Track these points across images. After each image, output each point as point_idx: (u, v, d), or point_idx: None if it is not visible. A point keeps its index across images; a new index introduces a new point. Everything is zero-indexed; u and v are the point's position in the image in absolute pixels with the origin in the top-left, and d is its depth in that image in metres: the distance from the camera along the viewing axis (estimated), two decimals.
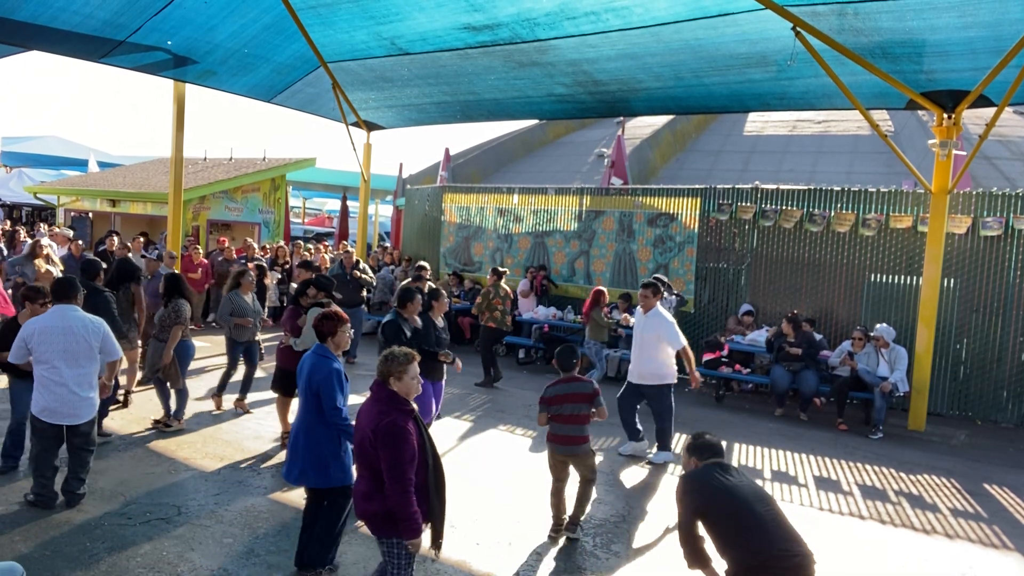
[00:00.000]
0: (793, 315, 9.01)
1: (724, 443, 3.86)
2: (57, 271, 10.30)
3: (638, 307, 7.08)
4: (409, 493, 3.20)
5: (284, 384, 6.50)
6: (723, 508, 3.28)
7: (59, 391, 4.85)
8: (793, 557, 3.12)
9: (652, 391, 6.78)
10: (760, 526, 3.19)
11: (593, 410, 4.93)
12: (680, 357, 6.79)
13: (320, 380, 4.11)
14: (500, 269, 10.22)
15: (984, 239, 9.09)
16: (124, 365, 6.95)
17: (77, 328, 4.93)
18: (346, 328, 4.38)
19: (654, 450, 6.91)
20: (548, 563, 4.64)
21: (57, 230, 15.21)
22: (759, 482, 6.35)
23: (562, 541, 4.91)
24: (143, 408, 7.44)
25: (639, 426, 6.93)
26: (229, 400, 7.72)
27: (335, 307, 5.40)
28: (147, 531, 4.69)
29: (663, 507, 5.67)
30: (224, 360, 8.01)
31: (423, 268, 10.10)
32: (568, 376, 5.01)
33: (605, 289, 9.79)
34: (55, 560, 4.24)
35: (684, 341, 6.75)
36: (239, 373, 7.79)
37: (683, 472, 3.68)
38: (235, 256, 12.86)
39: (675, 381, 6.87)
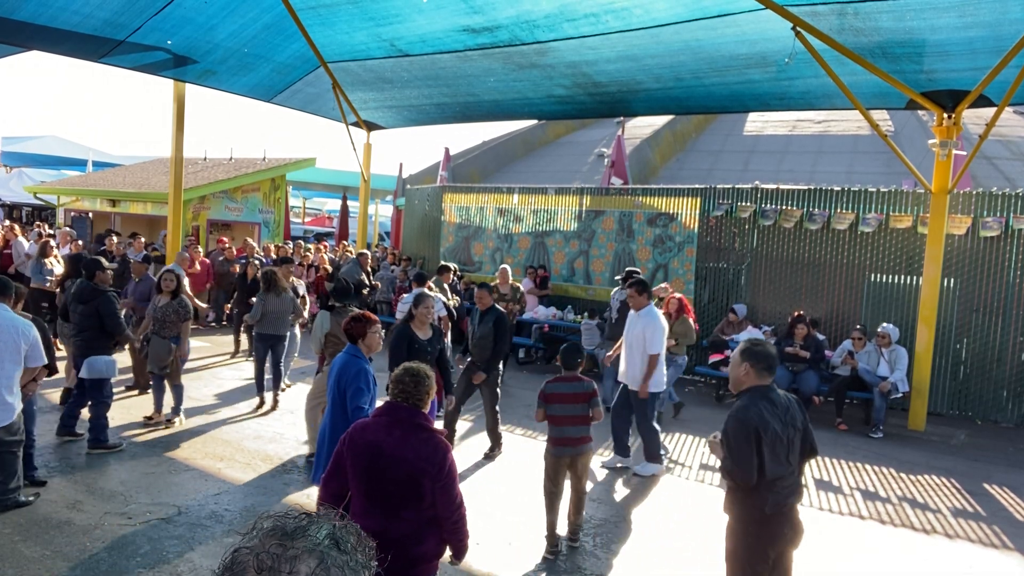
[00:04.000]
0: (799, 315, 8.97)
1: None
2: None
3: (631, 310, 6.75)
4: (466, 516, 3.02)
5: None
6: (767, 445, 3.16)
7: None
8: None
9: (636, 398, 6.42)
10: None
11: (590, 411, 4.83)
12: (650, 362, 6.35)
13: (348, 380, 4.02)
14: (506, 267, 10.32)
15: (984, 239, 9.10)
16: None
17: (6, 328, 4.70)
18: (377, 329, 4.30)
19: (641, 462, 6.53)
20: (548, 562, 4.64)
21: (66, 229, 15.24)
22: None
23: (563, 545, 4.89)
24: (144, 408, 7.44)
25: (629, 442, 6.67)
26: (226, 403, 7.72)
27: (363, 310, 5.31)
28: (147, 531, 4.69)
29: (658, 511, 5.68)
30: (223, 359, 8.00)
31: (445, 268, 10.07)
32: (569, 375, 4.93)
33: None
34: (55, 560, 4.24)
35: (659, 351, 6.33)
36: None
37: (736, 379, 3.37)
38: (236, 256, 12.86)
39: (662, 389, 6.60)
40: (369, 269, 12.01)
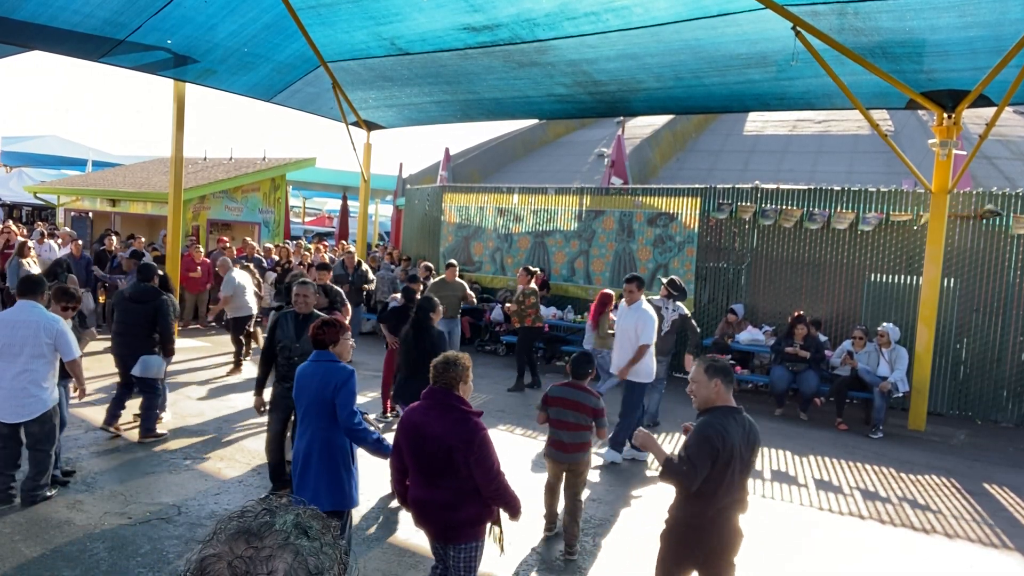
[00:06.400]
0: (799, 315, 8.97)
1: None
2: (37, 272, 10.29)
3: (622, 300, 7.11)
4: (507, 482, 3.37)
5: None
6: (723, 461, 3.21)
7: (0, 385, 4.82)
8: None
9: (625, 385, 6.82)
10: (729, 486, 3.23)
11: (596, 428, 4.78)
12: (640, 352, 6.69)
13: (340, 386, 3.93)
14: (531, 268, 10.03)
15: (984, 239, 9.10)
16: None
17: (29, 323, 4.84)
18: (349, 336, 4.20)
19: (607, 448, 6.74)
20: (548, 562, 4.64)
21: (65, 229, 15.26)
22: (759, 483, 6.37)
23: (560, 548, 4.85)
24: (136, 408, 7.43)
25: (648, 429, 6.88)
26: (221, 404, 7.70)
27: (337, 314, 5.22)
28: (147, 531, 4.70)
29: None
30: (223, 359, 7.98)
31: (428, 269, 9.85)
32: (576, 383, 4.87)
33: (612, 292, 8.79)
34: (55, 560, 4.24)
35: (648, 341, 6.69)
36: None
37: (704, 405, 3.44)
38: (236, 255, 12.86)
39: (649, 381, 6.83)
40: (364, 268, 12.00)
